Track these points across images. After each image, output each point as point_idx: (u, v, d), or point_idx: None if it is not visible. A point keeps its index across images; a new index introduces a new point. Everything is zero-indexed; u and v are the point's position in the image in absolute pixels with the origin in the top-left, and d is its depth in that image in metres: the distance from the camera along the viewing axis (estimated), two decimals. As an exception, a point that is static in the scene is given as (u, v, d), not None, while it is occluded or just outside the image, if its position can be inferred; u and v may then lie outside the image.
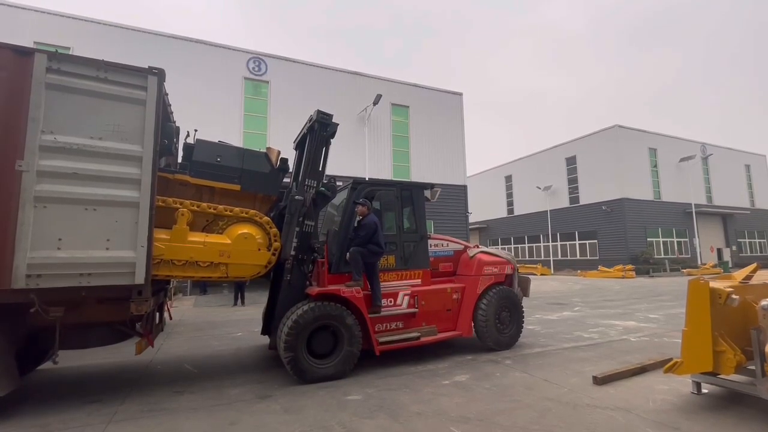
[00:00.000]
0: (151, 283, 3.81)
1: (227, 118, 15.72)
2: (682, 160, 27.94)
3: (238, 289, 12.50)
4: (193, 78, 15.21)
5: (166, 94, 4.60)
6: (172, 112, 5.35)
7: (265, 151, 5.19)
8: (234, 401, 3.96)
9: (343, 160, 16.89)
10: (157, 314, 5.11)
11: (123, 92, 3.76)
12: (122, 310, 3.85)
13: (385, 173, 18.14)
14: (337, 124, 5.21)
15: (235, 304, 12.28)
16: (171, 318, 9.18)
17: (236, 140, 14.39)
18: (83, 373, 5.21)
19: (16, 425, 3.46)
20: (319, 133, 5.05)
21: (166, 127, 5.04)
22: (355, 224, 5.25)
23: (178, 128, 5.54)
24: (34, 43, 12.69)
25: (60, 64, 3.54)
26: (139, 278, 3.66)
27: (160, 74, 3.91)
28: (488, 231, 37.65)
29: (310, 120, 5.19)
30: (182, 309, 11.54)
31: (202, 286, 15.18)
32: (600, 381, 4.21)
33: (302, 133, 5.54)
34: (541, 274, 25.29)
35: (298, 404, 3.83)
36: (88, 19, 14.64)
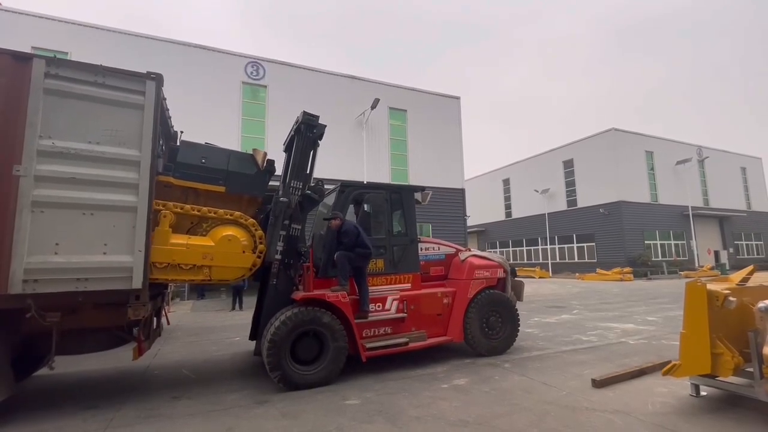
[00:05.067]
0: (149, 287, 3.80)
1: (225, 122, 15.73)
2: (678, 163, 28.10)
3: (236, 293, 12.46)
4: (192, 83, 15.23)
5: (164, 99, 4.61)
6: (170, 117, 5.35)
7: (251, 152, 5.15)
8: (232, 406, 3.94)
9: (342, 164, 16.92)
10: (155, 319, 5.09)
11: (121, 97, 3.76)
12: (119, 315, 3.83)
13: (383, 177, 18.15)
14: (325, 126, 5.15)
15: (233, 308, 12.24)
16: (168, 323, 9.15)
17: (234, 145, 14.40)
18: (80, 378, 5.18)
19: (11, 432, 3.43)
20: (305, 134, 5.01)
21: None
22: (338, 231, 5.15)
23: (175, 133, 5.54)
24: (33, 48, 12.69)
25: (58, 69, 3.55)
26: (137, 283, 3.66)
27: (158, 79, 3.92)
28: (486, 234, 37.67)
29: (296, 121, 5.15)
30: (180, 314, 11.50)
31: (200, 291, 15.13)
32: (599, 384, 4.21)
33: (290, 135, 5.48)
34: (540, 277, 25.30)
35: (296, 409, 3.81)
36: (86, 24, 14.67)
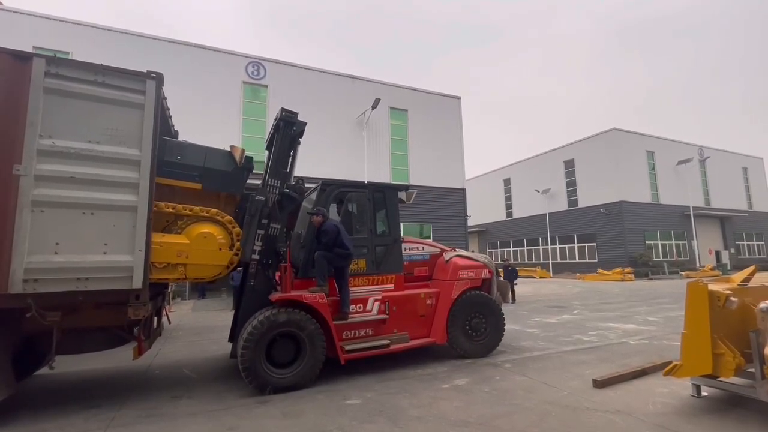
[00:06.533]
0: (149, 287, 3.80)
1: (226, 122, 15.72)
2: (679, 162, 28.04)
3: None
4: (193, 82, 15.22)
5: (165, 98, 4.60)
6: (170, 117, 5.35)
7: (229, 149, 5.05)
8: (233, 406, 3.94)
9: (342, 164, 16.92)
10: (155, 319, 5.09)
11: (121, 96, 3.76)
12: (120, 314, 3.84)
13: (384, 177, 18.13)
14: (305, 123, 5.06)
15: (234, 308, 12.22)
16: (170, 322, 9.15)
17: (235, 145, 14.34)
18: (81, 378, 5.19)
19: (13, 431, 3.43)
20: (284, 131, 4.93)
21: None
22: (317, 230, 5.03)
23: (176, 132, 5.54)
24: (34, 48, 12.68)
25: (58, 69, 3.55)
26: (137, 282, 3.66)
27: (158, 78, 3.92)
28: (487, 234, 37.65)
29: (276, 118, 5.07)
30: (181, 313, 11.51)
31: (201, 291, 15.14)
32: (600, 384, 4.20)
33: (270, 133, 5.38)
34: (540, 277, 25.29)
35: (297, 409, 3.81)
36: (87, 24, 14.67)
